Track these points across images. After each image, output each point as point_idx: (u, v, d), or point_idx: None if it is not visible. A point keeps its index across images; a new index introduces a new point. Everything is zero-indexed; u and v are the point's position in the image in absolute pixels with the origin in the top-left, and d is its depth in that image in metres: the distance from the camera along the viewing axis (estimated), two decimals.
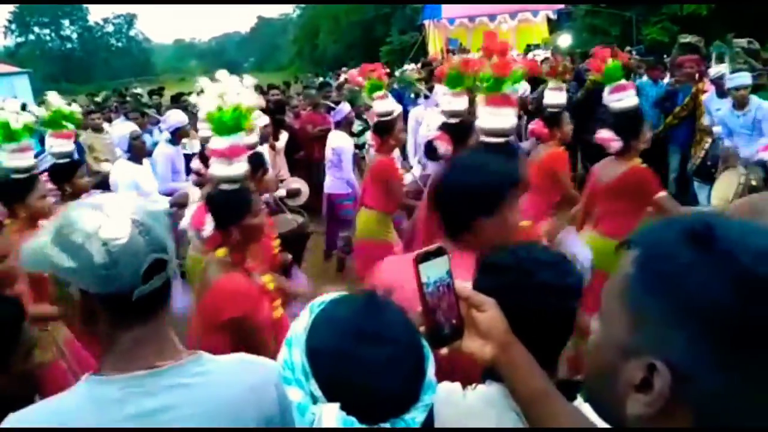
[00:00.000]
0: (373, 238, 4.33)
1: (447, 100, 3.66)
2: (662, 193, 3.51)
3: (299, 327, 0.99)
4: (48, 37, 74.82)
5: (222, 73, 2.77)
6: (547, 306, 1.21)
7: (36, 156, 4.37)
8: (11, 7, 70.07)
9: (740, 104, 5.81)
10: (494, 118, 2.65)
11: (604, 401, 0.74)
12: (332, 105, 6.96)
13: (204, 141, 4.19)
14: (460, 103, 3.60)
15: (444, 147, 3.44)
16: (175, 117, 5.89)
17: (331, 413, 0.89)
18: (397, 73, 12.88)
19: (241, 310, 2.27)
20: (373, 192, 4.39)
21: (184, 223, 2.59)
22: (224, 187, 2.51)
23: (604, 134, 3.60)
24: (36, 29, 73.39)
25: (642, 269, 0.68)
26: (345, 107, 6.39)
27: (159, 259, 1.13)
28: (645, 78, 7.98)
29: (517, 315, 1.15)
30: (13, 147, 3.13)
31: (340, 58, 35.56)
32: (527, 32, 18.62)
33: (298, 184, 6.07)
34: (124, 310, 1.13)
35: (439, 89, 6.76)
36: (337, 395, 0.91)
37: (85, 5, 75.22)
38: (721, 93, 6.47)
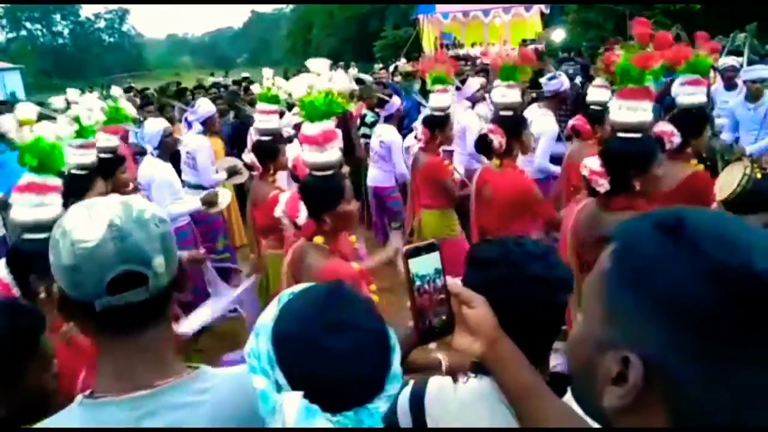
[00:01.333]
0: (445, 235, 4.23)
1: (500, 92, 3.61)
2: (714, 205, 3.24)
3: (268, 316, 0.99)
4: (39, 33, 74.27)
5: (315, 61, 2.75)
6: (538, 299, 1.21)
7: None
8: (1, 3, 69.61)
9: (754, 97, 5.68)
10: (631, 113, 2.51)
11: (585, 396, 0.74)
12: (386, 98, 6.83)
13: (262, 133, 4.09)
14: (514, 96, 3.57)
15: (498, 140, 3.41)
16: (206, 107, 5.86)
17: (293, 401, 0.88)
18: (391, 68, 12.88)
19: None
20: (427, 192, 4.36)
21: (278, 210, 2.53)
22: (317, 174, 2.47)
23: (663, 127, 3.32)
24: (27, 24, 72.82)
25: (616, 263, 0.69)
26: (396, 101, 6.24)
27: (134, 271, 1.02)
28: None
29: (508, 309, 1.16)
30: (80, 143, 3.17)
31: (334, 53, 35.50)
32: (521, 27, 18.66)
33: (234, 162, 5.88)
34: (100, 320, 1.04)
35: (472, 82, 6.69)
36: (301, 384, 0.91)
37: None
38: (729, 85, 6.44)
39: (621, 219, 2.28)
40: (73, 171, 3.21)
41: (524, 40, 16.12)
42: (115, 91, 4.01)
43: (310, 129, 2.46)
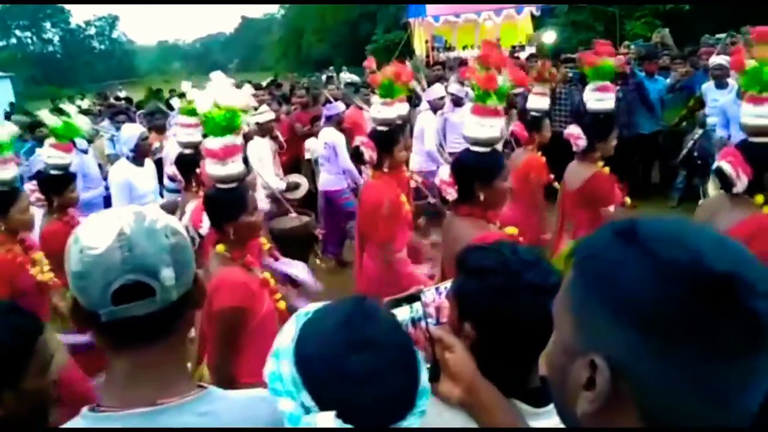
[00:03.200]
0: None
1: (377, 108, 3.73)
2: (609, 208, 3.50)
3: (286, 338, 0.97)
4: (29, 40, 74.06)
5: (216, 75, 2.82)
6: (535, 307, 1.19)
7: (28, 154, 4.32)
8: None
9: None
10: (481, 128, 2.67)
11: (562, 406, 0.75)
12: (331, 99, 6.95)
13: (183, 146, 4.21)
14: (390, 112, 3.68)
15: (368, 153, 3.57)
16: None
17: (327, 421, 0.87)
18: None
19: (237, 301, 2.34)
20: None
21: (184, 221, 2.60)
22: (220, 186, 2.55)
23: (572, 130, 3.61)
24: (17, 32, 72.60)
25: (578, 271, 0.71)
26: (339, 105, 6.46)
27: (141, 282, 1.00)
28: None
29: (506, 317, 1.18)
30: None
31: (325, 58, 35.48)
32: (511, 29, 18.70)
33: (297, 178, 6.12)
34: (108, 330, 1.04)
35: (436, 88, 6.83)
36: (330, 405, 0.89)
37: (66, 8, 74.64)
38: (720, 84, 6.53)
39: (466, 224, 2.44)
40: None
41: (514, 47, 16.22)
42: (69, 108, 3.94)
43: (211, 143, 2.55)
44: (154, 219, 1.05)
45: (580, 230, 3.64)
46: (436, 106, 6.62)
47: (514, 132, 4.41)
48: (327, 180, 6.08)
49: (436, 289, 1.37)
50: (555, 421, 1.19)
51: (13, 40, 72.63)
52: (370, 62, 4.67)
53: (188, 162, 4.08)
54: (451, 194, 2.65)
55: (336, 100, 6.88)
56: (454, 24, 18.72)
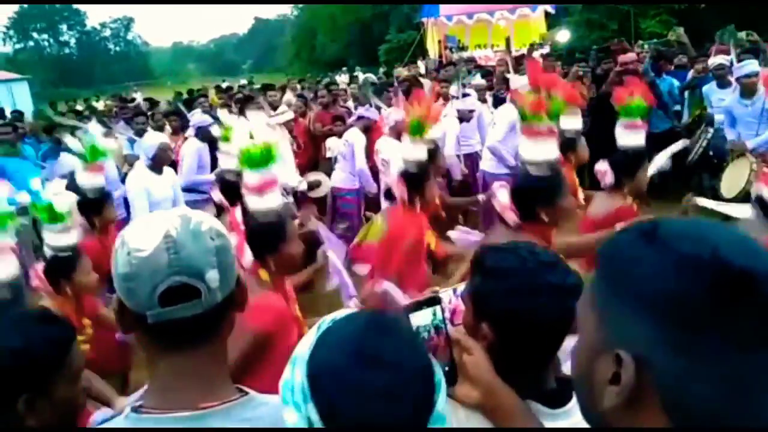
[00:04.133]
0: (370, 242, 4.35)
1: (408, 148, 3.62)
2: None
3: (305, 346, 0.94)
4: (46, 43, 74.98)
5: (253, 114, 2.82)
6: (554, 307, 1.21)
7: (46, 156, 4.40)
8: (10, 13, 70.28)
9: (749, 93, 5.72)
10: (537, 149, 2.64)
11: (587, 403, 0.76)
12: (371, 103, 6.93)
13: (226, 173, 4.20)
14: (421, 152, 3.59)
15: (399, 193, 3.52)
16: (199, 117, 6.18)
17: None
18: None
19: (271, 325, 2.35)
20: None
21: None
22: (260, 218, 2.57)
23: (600, 166, 3.57)
24: (34, 35, 73.50)
25: (601, 270, 0.74)
26: (373, 113, 6.39)
27: (187, 284, 1.01)
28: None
29: (525, 318, 1.18)
30: (59, 227, 3.11)
31: (339, 58, 35.54)
32: (525, 28, 18.65)
33: (317, 176, 6.13)
34: (154, 332, 1.04)
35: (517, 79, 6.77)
36: (334, 421, 0.86)
37: (82, 10, 75.44)
38: (722, 83, 6.49)
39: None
40: (59, 254, 3.14)
41: (532, 44, 16.12)
42: (93, 129, 4.00)
43: (249, 178, 2.57)
44: (199, 221, 1.06)
45: (590, 258, 3.58)
46: (463, 117, 6.51)
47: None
48: (339, 178, 6.10)
49: (453, 290, 1.37)
50: (571, 422, 1.20)
51: (31, 43, 73.58)
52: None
53: (232, 187, 4.12)
54: (512, 219, 2.59)
55: (355, 99, 6.83)
56: (466, 24, 18.68)
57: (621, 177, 3.51)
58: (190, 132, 6.20)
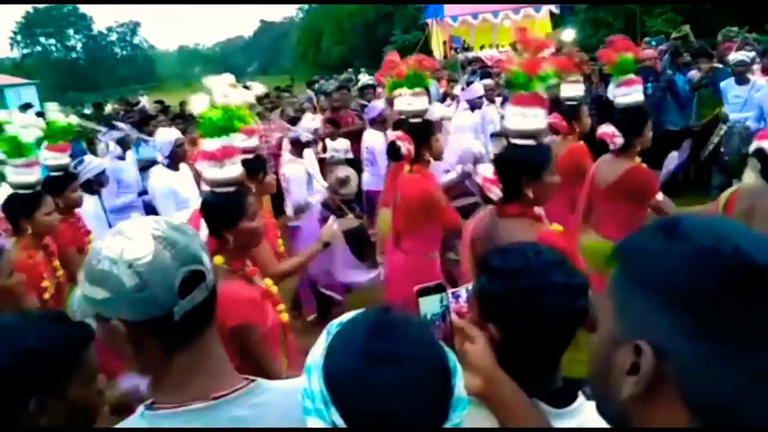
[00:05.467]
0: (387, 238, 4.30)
1: (406, 100, 3.63)
2: (659, 195, 3.40)
3: (318, 351, 0.94)
4: (53, 48, 75.49)
5: (218, 77, 2.66)
6: (562, 306, 1.21)
7: (77, 162, 4.39)
8: (18, 18, 70.76)
9: None
10: (524, 119, 2.46)
11: (604, 395, 0.77)
12: (365, 103, 6.94)
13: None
14: (420, 103, 3.60)
15: (405, 147, 3.46)
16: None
17: None
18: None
19: (243, 318, 2.20)
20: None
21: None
22: (218, 190, 2.41)
23: (605, 129, 3.48)
24: (42, 39, 74.04)
25: (622, 264, 0.75)
26: (378, 104, 6.39)
27: (194, 270, 1.07)
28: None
29: (533, 318, 1.18)
30: (21, 162, 3.06)
31: (344, 60, 35.58)
32: (530, 28, 18.60)
33: (346, 171, 6.10)
34: (171, 332, 1.07)
35: (476, 86, 6.78)
36: (360, 422, 0.86)
37: (89, 14, 75.91)
38: (740, 80, 6.47)
39: (516, 226, 2.18)
40: (18, 191, 3.10)
41: None
42: (51, 108, 3.91)
43: (208, 145, 2.40)
44: (167, 220, 1.13)
45: (608, 223, 3.52)
46: (474, 105, 6.56)
47: (552, 124, 4.11)
48: (370, 180, 6.09)
49: (454, 294, 1.37)
50: (577, 422, 1.20)
51: (38, 48, 74.08)
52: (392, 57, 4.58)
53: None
54: (496, 193, 2.44)
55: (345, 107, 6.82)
56: (471, 24, 18.68)
57: (630, 136, 3.45)
58: None
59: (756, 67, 6.07)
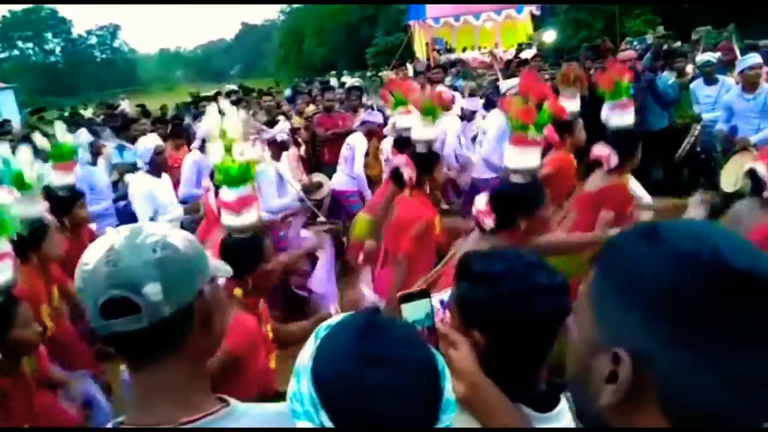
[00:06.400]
0: (363, 241, 4.35)
1: (419, 129, 3.68)
2: (610, 213, 3.49)
3: (306, 355, 0.94)
4: (31, 51, 74.45)
5: (230, 124, 2.72)
6: (548, 307, 1.22)
7: None
8: None
9: (751, 87, 5.77)
10: (520, 158, 2.67)
11: (583, 402, 0.77)
12: (374, 106, 6.90)
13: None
14: (430, 133, 3.64)
15: (408, 173, 3.51)
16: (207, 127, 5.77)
17: None
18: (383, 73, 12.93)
19: (241, 349, 2.32)
20: (379, 200, 4.39)
21: None
22: (236, 236, 2.54)
23: (601, 150, 3.57)
24: (19, 43, 72.99)
25: (599, 269, 0.74)
26: (378, 117, 6.40)
27: (123, 297, 0.98)
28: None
29: (519, 321, 1.19)
30: (27, 196, 3.10)
31: (327, 61, 35.54)
32: (511, 29, 18.74)
33: (319, 177, 6.09)
34: (112, 345, 1.04)
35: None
36: (350, 424, 0.87)
37: (68, 17, 75.13)
38: (708, 80, 6.59)
39: (500, 244, 2.25)
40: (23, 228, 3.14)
41: (521, 45, 16.19)
42: (58, 127, 3.98)
43: (226, 195, 2.54)
44: (148, 234, 1.03)
45: (577, 230, 3.60)
46: (465, 116, 6.51)
47: (545, 136, 4.27)
48: (339, 180, 6.10)
49: (441, 301, 1.37)
50: (560, 426, 1.21)
51: (16, 52, 73.03)
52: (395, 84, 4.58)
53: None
54: (488, 224, 2.56)
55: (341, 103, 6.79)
56: (453, 26, 18.75)
57: (624, 157, 3.54)
58: (196, 144, 5.76)
59: (765, 69, 6.05)
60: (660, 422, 0.66)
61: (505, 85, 5.84)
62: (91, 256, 1.01)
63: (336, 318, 0.99)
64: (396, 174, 3.63)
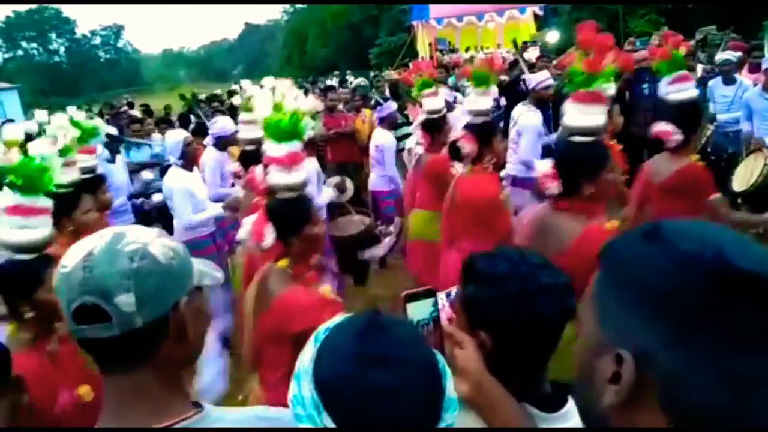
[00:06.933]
0: (426, 239, 4.23)
1: (472, 99, 3.62)
2: (716, 195, 3.28)
3: (306, 357, 0.93)
4: (36, 52, 74.64)
5: (269, 80, 2.70)
6: (553, 307, 1.21)
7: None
8: None
9: None
10: (583, 116, 2.45)
11: (587, 402, 0.77)
12: (381, 101, 6.85)
13: (245, 143, 4.18)
14: (485, 102, 3.57)
15: (468, 147, 3.42)
16: (222, 124, 5.52)
17: None
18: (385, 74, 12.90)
19: (305, 323, 2.16)
20: (426, 192, 4.32)
21: (243, 233, 2.48)
22: (283, 195, 2.42)
23: (663, 127, 3.34)
24: (23, 44, 73.21)
25: (604, 269, 0.75)
26: (391, 104, 6.30)
27: (94, 304, 0.97)
28: None
29: (526, 321, 1.18)
30: (63, 161, 3.05)
31: (330, 62, 35.57)
32: (514, 29, 18.69)
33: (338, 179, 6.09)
34: (85, 349, 1.03)
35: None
36: (354, 425, 0.86)
37: (72, 17, 75.22)
38: (727, 79, 6.52)
39: (564, 220, 2.22)
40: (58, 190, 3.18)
41: (525, 43, 16.15)
42: (77, 115, 3.96)
43: (275, 150, 2.41)
44: (129, 241, 1.02)
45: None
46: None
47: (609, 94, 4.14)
48: (375, 181, 6.06)
49: (447, 294, 1.37)
50: (567, 426, 1.20)
51: (20, 52, 73.27)
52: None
53: (252, 158, 3.97)
54: (553, 189, 2.42)
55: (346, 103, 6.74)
56: (456, 26, 18.74)
57: (689, 133, 3.34)
58: (209, 140, 5.67)
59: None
60: (661, 422, 0.66)
61: (534, 79, 5.69)
62: (70, 259, 1.00)
63: (335, 320, 0.98)
64: (453, 149, 3.52)
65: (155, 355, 1.04)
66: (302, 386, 0.90)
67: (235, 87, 13.58)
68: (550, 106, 5.78)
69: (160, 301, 1.02)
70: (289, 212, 2.38)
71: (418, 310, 1.14)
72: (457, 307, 1.30)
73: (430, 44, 18.72)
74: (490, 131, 3.54)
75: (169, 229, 5.07)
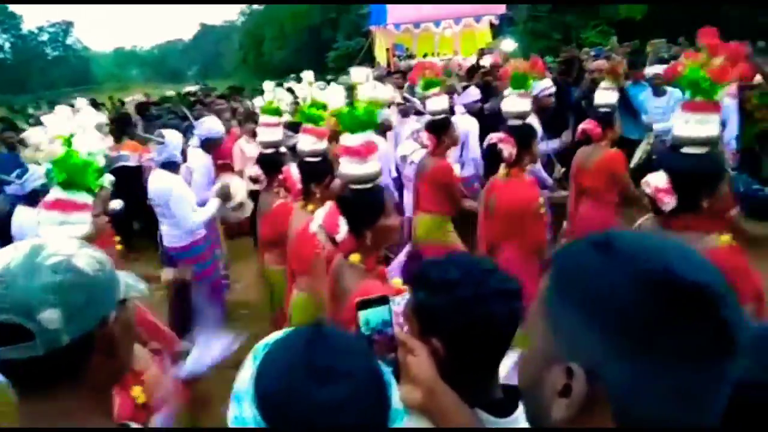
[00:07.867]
0: (433, 242, 4.19)
1: (511, 101, 3.60)
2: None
3: (246, 376, 0.89)
4: None
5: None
6: (502, 312, 1.22)
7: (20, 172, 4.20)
8: None
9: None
10: (700, 126, 2.31)
11: (536, 413, 0.76)
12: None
13: (266, 145, 4.12)
14: (524, 104, 3.57)
15: (508, 150, 3.40)
16: (209, 125, 5.31)
17: None
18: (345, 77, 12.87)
19: None
20: (431, 196, 4.29)
21: (314, 225, 2.39)
22: (356, 187, 2.36)
23: (588, 125, 3.69)
24: None
25: (554, 279, 0.74)
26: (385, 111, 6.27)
27: (13, 324, 0.89)
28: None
29: (479, 326, 1.19)
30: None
31: (287, 64, 35.32)
32: (471, 38, 18.92)
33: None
34: (4, 373, 0.95)
35: (472, 91, 6.64)
36: None
37: (18, 13, 72.68)
38: (657, 91, 6.79)
39: (697, 245, 1.95)
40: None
41: (482, 50, 16.35)
42: (80, 104, 3.81)
43: (351, 140, 2.36)
44: (50, 253, 0.95)
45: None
46: (471, 110, 6.27)
47: (586, 129, 4.20)
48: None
49: (399, 302, 1.36)
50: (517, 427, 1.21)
51: None
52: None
53: (271, 161, 3.95)
54: (669, 204, 2.26)
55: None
56: (413, 33, 18.86)
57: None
58: (195, 142, 5.42)
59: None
60: (612, 427, 0.66)
61: (539, 86, 5.69)
62: None
63: (273, 336, 0.94)
64: (492, 153, 3.50)
65: (81, 375, 0.98)
66: (243, 407, 0.86)
67: (190, 88, 13.33)
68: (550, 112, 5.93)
69: (88, 315, 0.96)
70: (363, 204, 2.32)
71: (370, 317, 1.12)
72: (409, 314, 1.29)
73: (387, 49, 18.78)
74: (529, 133, 3.53)
75: (152, 237, 4.94)
